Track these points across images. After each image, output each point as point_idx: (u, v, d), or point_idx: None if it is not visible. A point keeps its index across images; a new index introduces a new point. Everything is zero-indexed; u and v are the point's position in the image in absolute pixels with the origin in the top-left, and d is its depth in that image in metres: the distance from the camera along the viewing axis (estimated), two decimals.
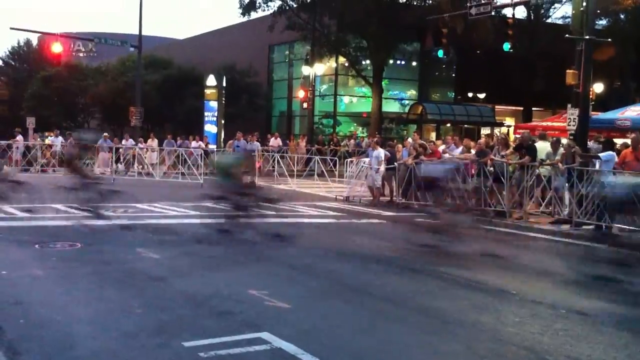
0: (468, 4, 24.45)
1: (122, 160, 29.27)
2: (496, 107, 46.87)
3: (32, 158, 28.71)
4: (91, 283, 8.31)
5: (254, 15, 41.93)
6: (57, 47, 35.02)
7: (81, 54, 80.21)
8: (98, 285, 8.21)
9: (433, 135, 41.96)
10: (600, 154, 14.83)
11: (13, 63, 73.85)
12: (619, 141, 18.98)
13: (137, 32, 35.48)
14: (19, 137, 30.60)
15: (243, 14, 41.20)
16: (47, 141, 33.02)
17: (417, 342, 6.46)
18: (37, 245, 10.66)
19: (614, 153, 15.13)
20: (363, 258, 10.56)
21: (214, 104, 37.76)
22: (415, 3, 39.51)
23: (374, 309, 7.63)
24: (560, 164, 15.28)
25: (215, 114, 37.65)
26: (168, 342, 6.08)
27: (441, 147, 19.69)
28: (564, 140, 18.30)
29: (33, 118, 39.83)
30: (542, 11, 41.23)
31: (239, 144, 27.21)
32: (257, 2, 40.40)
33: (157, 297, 7.70)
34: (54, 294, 7.78)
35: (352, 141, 34.62)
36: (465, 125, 44.13)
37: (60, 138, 31.21)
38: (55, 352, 5.75)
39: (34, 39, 72.69)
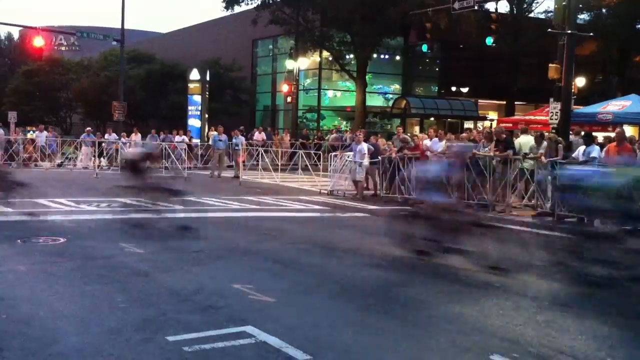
0: None
1: (105, 154, 29.21)
2: (479, 101, 47.06)
3: (14, 152, 28.50)
4: (74, 278, 8.27)
5: (237, 9, 41.87)
6: (38, 41, 34.71)
7: (63, 48, 79.62)
8: (81, 280, 8.17)
9: (417, 129, 42.06)
10: (590, 149, 14.80)
11: None
12: (600, 135, 19.17)
13: (119, 26, 35.25)
14: (0, 132, 30.36)
15: (226, 7, 41.09)
16: (29, 135, 32.79)
17: (403, 335, 6.48)
18: (19, 240, 10.59)
19: (598, 147, 15.27)
20: (347, 252, 10.58)
21: (197, 98, 37.66)
22: None
23: (359, 302, 7.64)
24: (542, 158, 15.38)
25: (199, 108, 37.56)
26: (152, 337, 6.06)
27: (426, 142, 19.74)
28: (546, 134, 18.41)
29: (15, 112, 39.52)
30: (525, 6, 41.38)
31: (220, 138, 27.11)
32: None
33: (141, 292, 7.67)
34: (36, 289, 7.72)
35: (334, 134, 34.64)
36: (449, 120, 44.28)
37: (45, 133, 31.02)
38: (38, 348, 5.71)
39: (15, 33, 72.09)
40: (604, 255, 9.06)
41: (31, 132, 34.68)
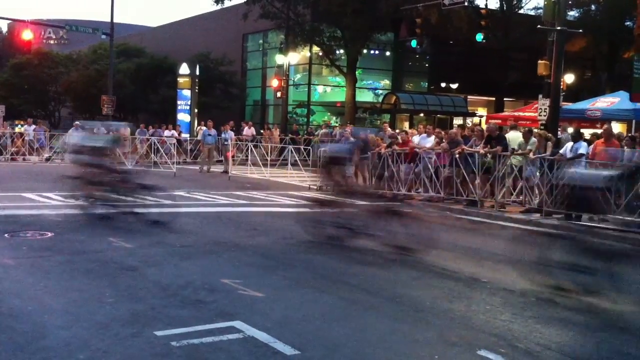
0: None
1: None
2: (469, 97, 47.15)
3: (2, 146, 28.34)
4: (63, 273, 8.25)
5: (227, 3, 41.66)
6: (27, 35, 34.49)
7: (52, 42, 79.34)
8: (70, 274, 8.15)
9: (406, 124, 42.11)
10: (578, 146, 14.85)
11: None
12: (587, 131, 19.24)
13: (109, 20, 35.10)
14: None
15: (216, 1, 40.88)
16: (17, 129, 32.62)
17: (391, 330, 6.51)
18: (7, 235, 10.54)
19: (585, 143, 15.33)
20: (336, 247, 10.58)
21: (187, 93, 37.54)
22: None
23: (348, 298, 7.66)
24: (531, 154, 15.44)
25: (189, 102, 37.44)
26: (140, 331, 6.06)
27: (415, 137, 19.75)
28: (535, 130, 18.47)
29: (3, 106, 39.29)
30: (515, 2, 41.44)
31: (209, 132, 27.07)
32: None
33: (130, 287, 7.66)
34: (25, 283, 7.70)
35: (323, 130, 34.64)
36: (438, 115, 44.35)
37: (33, 126, 30.86)
38: (26, 343, 5.70)
39: (4, 26, 71.73)
40: (590, 251, 9.11)
41: (19, 125, 34.49)
